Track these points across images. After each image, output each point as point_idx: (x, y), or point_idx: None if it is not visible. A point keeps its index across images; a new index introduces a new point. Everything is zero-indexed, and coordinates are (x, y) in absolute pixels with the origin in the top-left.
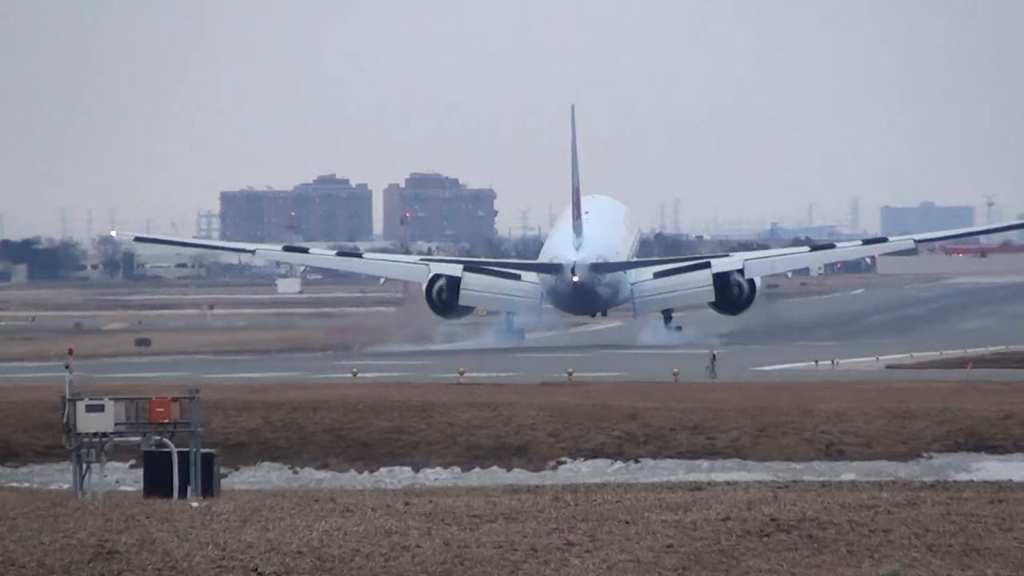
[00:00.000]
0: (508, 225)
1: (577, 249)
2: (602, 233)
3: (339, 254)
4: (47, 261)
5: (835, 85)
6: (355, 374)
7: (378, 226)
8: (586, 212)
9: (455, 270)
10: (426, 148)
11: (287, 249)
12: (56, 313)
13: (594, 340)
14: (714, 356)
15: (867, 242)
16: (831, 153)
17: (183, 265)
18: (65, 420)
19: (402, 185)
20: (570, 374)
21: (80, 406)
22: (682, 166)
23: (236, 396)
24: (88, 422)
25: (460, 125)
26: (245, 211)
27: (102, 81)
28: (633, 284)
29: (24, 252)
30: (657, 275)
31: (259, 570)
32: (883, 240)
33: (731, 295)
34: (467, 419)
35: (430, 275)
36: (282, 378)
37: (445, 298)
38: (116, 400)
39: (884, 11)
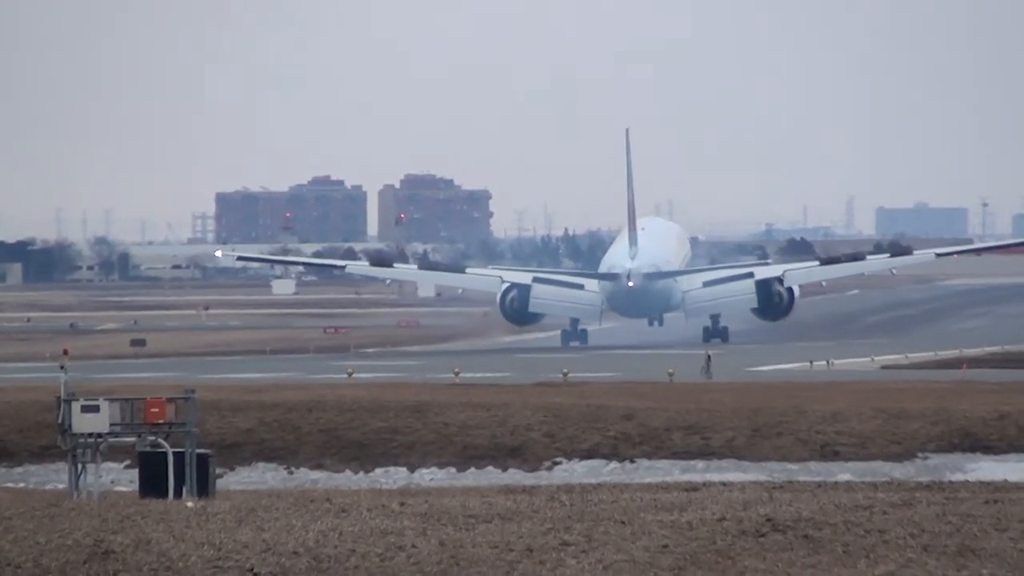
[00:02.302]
0: (503, 226)
1: (632, 259)
2: (655, 246)
3: (421, 267)
4: (42, 262)
5: (829, 86)
6: (351, 375)
7: (373, 227)
8: (642, 229)
9: (526, 280)
10: (421, 149)
11: (374, 264)
12: (51, 314)
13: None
14: (709, 357)
15: (894, 255)
16: (825, 154)
17: (178, 266)
18: (60, 420)
19: (397, 186)
20: (565, 374)
21: (75, 406)
22: (676, 167)
23: (231, 396)
24: (83, 422)
25: (455, 126)
26: (240, 212)
27: (97, 83)
28: (684, 292)
29: (19, 253)
30: (706, 284)
31: (255, 570)
32: (909, 253)
33: (772, 302)
34: (462, 419)
35: (503, 286)
36: (277, 378)
37: (517, 306)
38: (111, 400)
39: (879, 12)
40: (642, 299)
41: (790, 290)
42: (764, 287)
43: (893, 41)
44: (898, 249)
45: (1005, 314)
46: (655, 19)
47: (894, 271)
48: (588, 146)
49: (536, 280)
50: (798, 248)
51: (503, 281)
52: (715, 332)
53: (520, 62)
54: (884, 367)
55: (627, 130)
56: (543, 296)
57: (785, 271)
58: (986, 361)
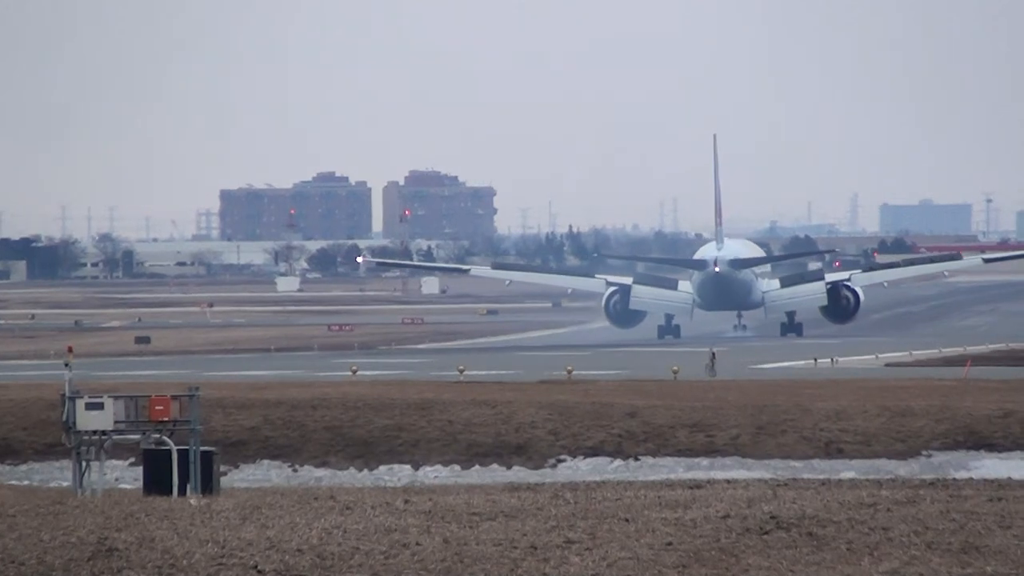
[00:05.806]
0: (507, 223)
1: (719, 250)
2: (739, 247)
3: (538, 272)
4: (47, 259)
5: (834, 83)
6: (355, 372)
7: (378, 224)
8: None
9: (627, 282)
10: (425, 146)
11: (495, 267)
12: (56, 311)
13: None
14: (713, 354)
15: (942, 259)
16: (829, 151)
17: (183, 264)
18: (65, 418)
19: (401, 183)
20: (570, 372)
21: (80, 404)
22: (680, 164)
23: (236, 394)
24: (88, 420)
25: (459, 122)
26: (245, 209)
27: (102, 80)
28: (764, 292)
29: (24, 250)
30: (783, 285)
31: (259, 568)
32: (958, 257)
33: (840, 304)
34: (467, 417)
35: (608, 290)
36: (282, 376)
37: (619, 308)
38: (116, 398)
39: (884, 10)
40: (727, 287)
41: (855, 293)
42: (834, 290)
43: (897, 38)
44: (944, 255)
45: (1010, 311)
46: (650, 19)
47: (946, 273)
48: (592, 145)
49: (636, 281)
50: (802, 245)
51: (608, 284)
52: (791, 327)
53: (521, 58)
54: (888, 364)
55: (714, 136)
56: (642, 296)
57: (852, 275)
58: (991, 359)
